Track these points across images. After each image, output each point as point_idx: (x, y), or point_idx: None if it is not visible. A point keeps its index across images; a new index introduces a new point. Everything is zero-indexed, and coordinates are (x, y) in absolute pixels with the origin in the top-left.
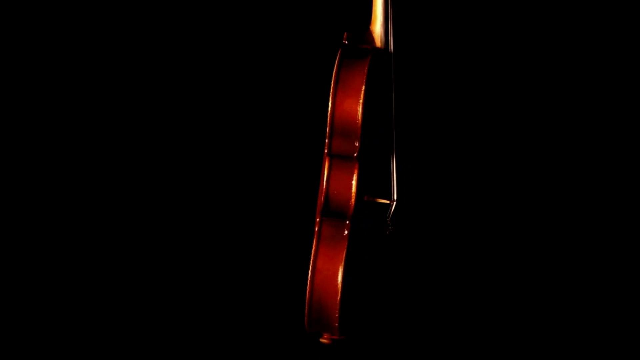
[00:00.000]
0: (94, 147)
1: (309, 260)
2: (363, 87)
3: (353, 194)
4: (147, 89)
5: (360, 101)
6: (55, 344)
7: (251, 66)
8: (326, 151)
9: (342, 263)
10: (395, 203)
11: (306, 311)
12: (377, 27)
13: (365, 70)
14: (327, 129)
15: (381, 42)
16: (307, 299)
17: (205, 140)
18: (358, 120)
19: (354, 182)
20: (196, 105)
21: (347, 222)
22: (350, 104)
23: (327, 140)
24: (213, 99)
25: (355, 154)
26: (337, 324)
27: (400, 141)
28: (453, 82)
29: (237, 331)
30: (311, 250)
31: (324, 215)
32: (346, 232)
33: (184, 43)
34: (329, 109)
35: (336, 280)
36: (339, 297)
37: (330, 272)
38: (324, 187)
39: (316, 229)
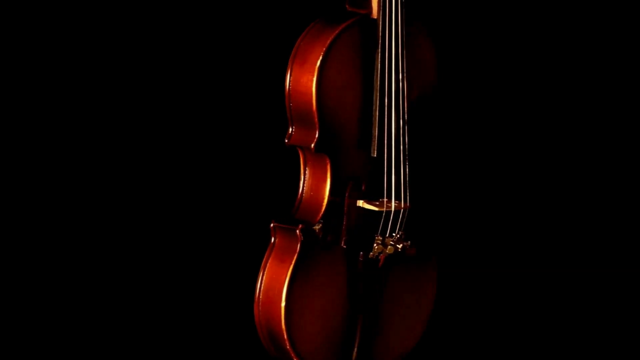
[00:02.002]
0: None
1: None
2: (318, 61)
3: (324, 197)
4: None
5: (314, 78)
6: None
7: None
8: (286, 141)
9: (286, 281)
10: (408, 210)
11: (260, 336)
12: None
13: (328, 41)
14: (287, 113)
15: (378, 11)
16: (256, 321)
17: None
18: (312, 102)
19: (327, 182)
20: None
21: (298, 231)
22: (306, 82)
23: (289, 129)
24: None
25: (312, 145)
26: (295, 358)
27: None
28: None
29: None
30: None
31: (282, 220)
32: (297, 244)
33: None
34: (285, 87)
35: (279, 303)
36: (283, 325)
37: (274, 292)
38: (299, 186)
39: (271, 237)
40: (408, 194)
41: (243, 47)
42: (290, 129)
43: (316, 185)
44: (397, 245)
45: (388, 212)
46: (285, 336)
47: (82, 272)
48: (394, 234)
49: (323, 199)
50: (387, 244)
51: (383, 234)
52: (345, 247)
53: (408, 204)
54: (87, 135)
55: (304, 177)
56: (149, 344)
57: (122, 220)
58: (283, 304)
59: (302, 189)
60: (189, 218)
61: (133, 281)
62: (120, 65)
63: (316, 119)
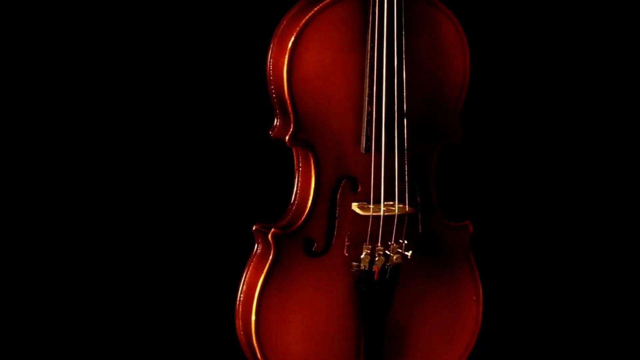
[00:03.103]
0: None
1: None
2: (290, 42)
3: (309, 197)
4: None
5: (285, 60)
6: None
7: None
8: (271, 133)
9: (256, 293)
10: (412, 213)
11: (243, 350)
12: None
13: (305, 18)
14: (271, 101)
15: None
16: (237, 334)
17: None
18: (284, 88)
19: (312, 181)
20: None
21: (270, 236)
22: (281, 65)
23: (274, 120)
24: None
25: (286, 138)
26: None
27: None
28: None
29: None
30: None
31: (264, 223)
32: (271, 251)
33: None
34: (267, 69)
35: (250, 317)
36: (254, 342)
37: (249, 304)
38: (294, 185)
39: (255, 242)
40: (407, 197)
41: (239, 30)
42: (276, 120)
43: (304, 184)
44: (392, 255)
45: (377, 217)
46: (259, 354)
47: (58, 275)
48: (389, 243)
49: (308, 199)
50: (376, 254)
51: (373, 241)
52: (347, 254)
53: (407, 208)
54: (68, 133)
55: (298, 175)
56: (140, 349)
57: (110, 221)
58: (253, 317)
59: (296, 188)
60: (191, 219)
61: (136, 282)
62: (95, 62)
63: (290, 108)
